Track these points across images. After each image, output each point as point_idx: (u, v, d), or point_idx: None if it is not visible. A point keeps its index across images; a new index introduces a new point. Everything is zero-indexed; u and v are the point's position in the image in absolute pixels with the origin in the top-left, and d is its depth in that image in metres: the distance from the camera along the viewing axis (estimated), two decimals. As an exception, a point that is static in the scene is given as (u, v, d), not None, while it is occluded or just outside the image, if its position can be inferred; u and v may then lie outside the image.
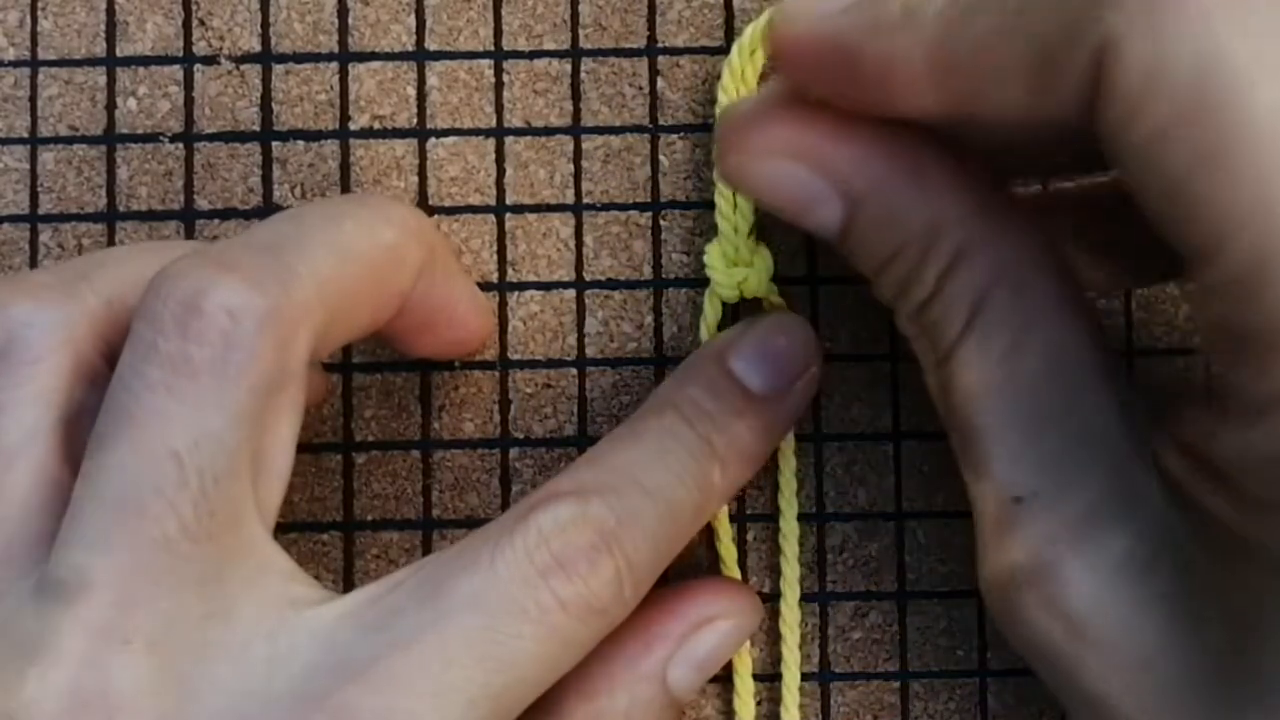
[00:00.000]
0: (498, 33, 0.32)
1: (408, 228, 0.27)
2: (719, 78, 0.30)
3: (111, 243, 0.31)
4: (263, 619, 0.24)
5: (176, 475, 0.23)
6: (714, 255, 0.30)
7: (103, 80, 0.32)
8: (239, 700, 0.23)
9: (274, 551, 0.25)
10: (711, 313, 0.31)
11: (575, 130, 0.32)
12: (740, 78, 0.30)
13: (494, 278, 0.31)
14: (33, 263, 0.31)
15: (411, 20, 0.32)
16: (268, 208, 0.32)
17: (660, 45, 0.32)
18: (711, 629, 0.28)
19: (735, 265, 0.30)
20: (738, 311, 0.31)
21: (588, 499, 0.25)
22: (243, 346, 0.23)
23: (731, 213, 0.30)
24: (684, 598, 0.28)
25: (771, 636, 0.31)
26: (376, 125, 0.32)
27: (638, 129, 0.32)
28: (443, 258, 0.28)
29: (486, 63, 0.32)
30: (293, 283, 0.24)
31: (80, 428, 0.25)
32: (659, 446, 0.27)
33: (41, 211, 0.31)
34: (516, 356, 0.31)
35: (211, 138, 0.32)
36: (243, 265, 0.24)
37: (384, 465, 0.31)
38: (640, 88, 0.32)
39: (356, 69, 0.32)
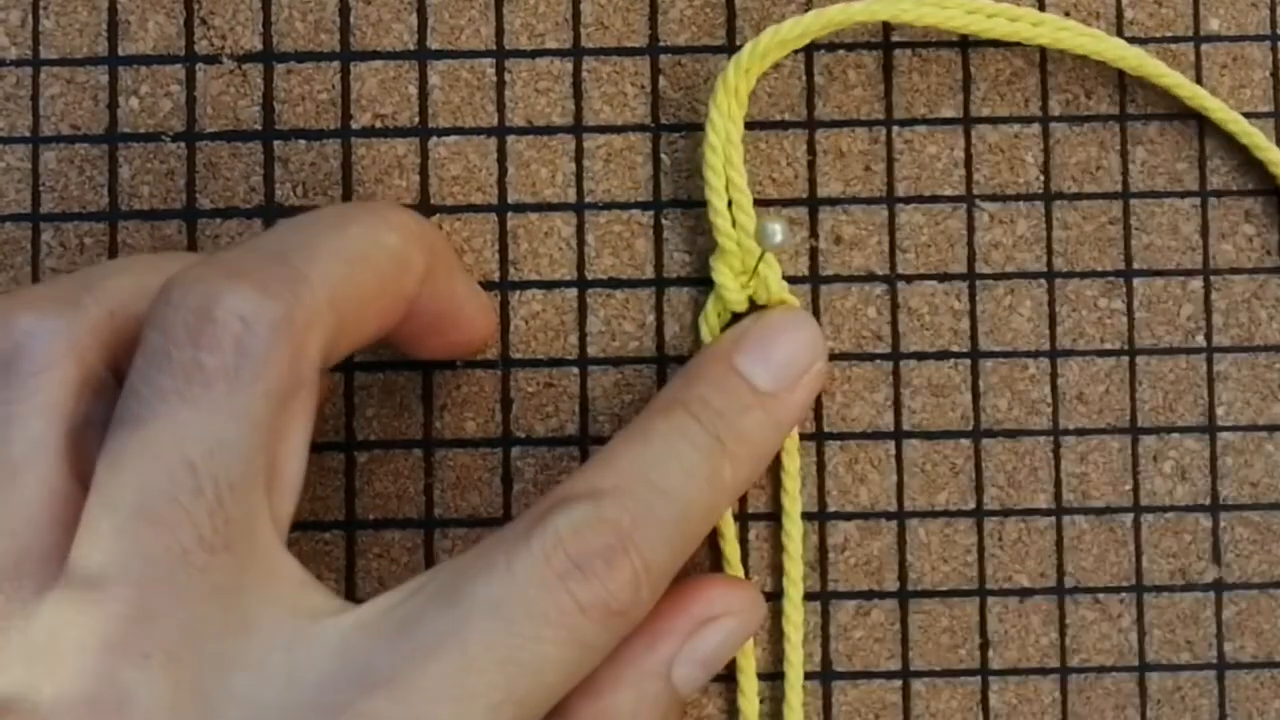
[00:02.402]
0: (499, 32, 0.32)
1: (410, 232, 0.27)
2: (718, 77, 0.30)
3: (114, 242, 0.31)
4: (280, 630, 0.24)
5: (191, 484, 0.23)
6: (722, 273, 0.30)
7: (105, 79, 0.32)
8: (257, 712, 0.23)
9: (288, 561, 0.24)
10: (714, 313, 0.31)
11: (577, 129, 0.32)
12: (734, 93, 0.30)
13: (496, 277, 0.31)
14: (35, 262, 0.31)
15: (413, 19, 0.32)
16: (269, 207, 0.32)
17: (662, 44, 0.32)
18: (716, 626, 0.28)
19: (743, 274, 0.30)
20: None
21: (602, 500, 0.25)
22: (256, 353, 0.23)
23: (731, 228, 0.30)
24: (688, 595, 0.28)
25: (774, 635, 0.31)
26: (378, 124, 0.32)
27: (639, 128, 0.32)
28: (446, 261, 0.28)
29: (488, 62, 0.32)
30: (303, 288, 0.24)
31: (87, 439, 0.25)
32: (669, 445, 0.27)
33: (43, 211, 0.31)
34: (518, 356, 0.31)
35: (213, 137, 0.32)
36: (253, 272, 0.24)
37: (386, 464, 0.31)
38: (642, 87, 0.32)
39: (358, 68, 0.32)
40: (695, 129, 0.32)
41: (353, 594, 0.31)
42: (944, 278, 0.31)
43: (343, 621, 0.24)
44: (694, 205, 0.31)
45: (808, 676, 0.31)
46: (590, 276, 0.31)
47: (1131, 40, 0.31)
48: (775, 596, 0.31)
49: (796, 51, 0.31)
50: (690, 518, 0.26)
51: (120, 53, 0.32)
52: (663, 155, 0.32)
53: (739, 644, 0.29)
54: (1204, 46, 0.32)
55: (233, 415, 0.23)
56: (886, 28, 0.32)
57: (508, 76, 0.32)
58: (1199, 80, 0.32)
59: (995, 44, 0.32)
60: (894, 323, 0.31)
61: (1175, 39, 0.32)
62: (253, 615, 0.23)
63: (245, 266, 0.24)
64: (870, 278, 0.31)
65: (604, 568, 0.24)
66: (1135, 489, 0.31)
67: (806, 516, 0.31)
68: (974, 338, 0.31)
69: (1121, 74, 0.32)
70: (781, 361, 0.28)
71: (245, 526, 0.23)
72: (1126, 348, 0.31)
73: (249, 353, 0.23)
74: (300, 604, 0.24)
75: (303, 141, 0.32)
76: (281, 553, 0.24)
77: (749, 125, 0.31)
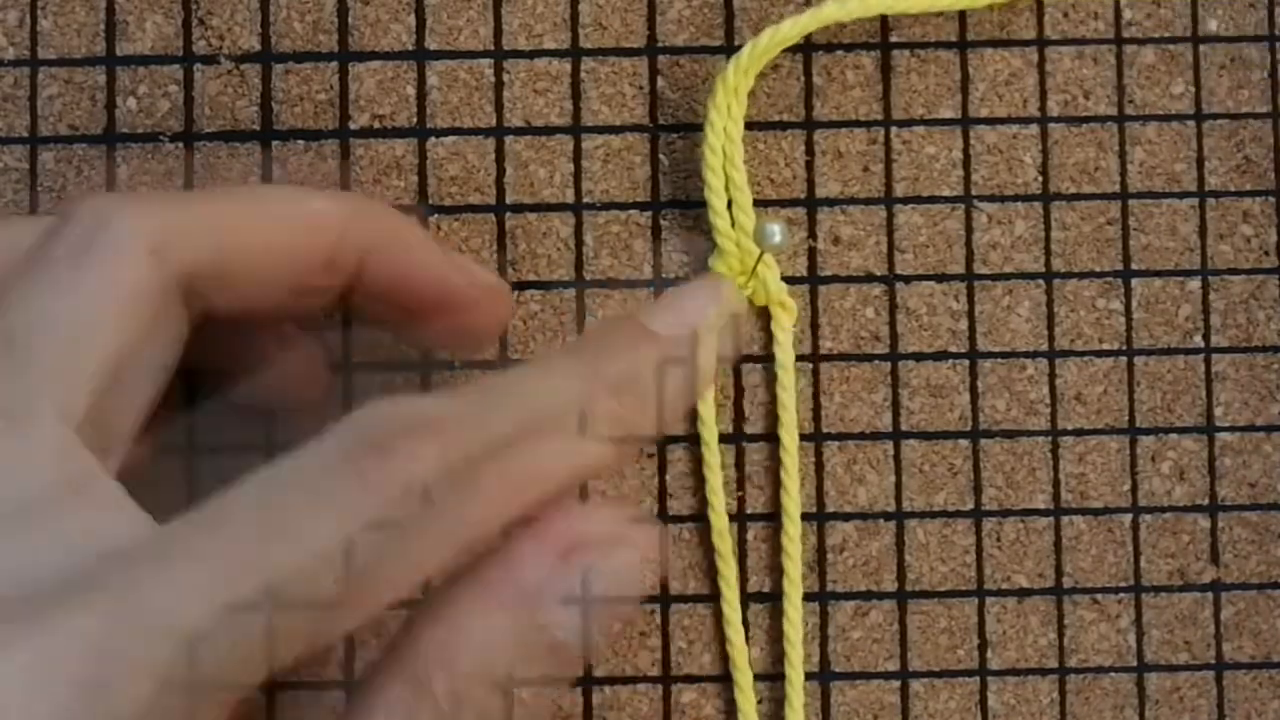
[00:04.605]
0: (498, 32, 0.32)
1: (344, 202, 0.27)
2: (717, 78, 0.30)
3: (111, 242, 0.32)
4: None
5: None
6: (721, 274, 0.30)
7: (102, 80, 0.32)
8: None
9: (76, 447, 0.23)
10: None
11: (575, 130, 0.32)
12: (734, 93, 0.30)
13: (494, 277, 0.31)
14: (32, 262, 0.31)
15: (411, 19, 0.32)
16: (267, 207, 0.32)
17: (660, 45, 0.32)
18: (588, 557, 0.24)
19: (742, 275, 0.30)
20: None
21: (419, 399, 0.23)
22: (103, 242, 0.24)
23: (730, 229, 0.30)
24: (553, 524, 0.24)
25: (772, 636, 0.31)
26: (376, 125, 0.32)
27: (638, 128, 0.32)
28: (395, 229, 0.27)
29: (486, 62, 0.32)
30: (176, 208, 0.25)
31: None
32: (537, 366, 0.26)
33: (41, 211, 0.31)
34: (516, 356, 0.31)
35: (211, 137, 0.32)
36: (142, 196, 0.25)
37: (384, 465, 0.31)
38: (640, 87, 0.32)
39: (356, 68, 0.32)
40: (693, 129, 0.32)
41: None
42: (942, 278, 0.31)
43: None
44: (693, 206, 0.31)
45: (806, 677, 0.31)
46: (588, 277, 0.31)
47: (1130, 41, 0.32)
48: (774, 597, 0.31)
49: (795, 52, 0.31)
50: (540, 425, 0.23)
51: (118, 53, 0.32)
52: (661, 156, 0.32)
53: (627, 583, 0.25)
54: (1202, 47, 0.32)
55: (66, 290, 0.23)
56: (884, 28, 0.32)
57: (506, 77, 0.32)
58: (1197, 82, 0.32)
59: (993, 44, 0.32)
60: (892, 323, 0.31)
61: (1174, 39, 0.32)
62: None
63: (149, 196, 0.25)
64: (868, 278, 0.31)
65: (405, 447, 0.22)
66: (1134, 489, 0.31)
67: (805, 517, 0.31)
68: (972, 338, 0.31)
69: (1120, 75, 0.32)
70: (677, 307, 0.26)
71: (22, 384, 0.23)
72: (1125, 348, 0.31)
73: (94, 242, 0.24)
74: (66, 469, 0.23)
75: (301, 142, 0.32)
76: (65, 434, 0.23)
77: (747, 126, 0.31)
